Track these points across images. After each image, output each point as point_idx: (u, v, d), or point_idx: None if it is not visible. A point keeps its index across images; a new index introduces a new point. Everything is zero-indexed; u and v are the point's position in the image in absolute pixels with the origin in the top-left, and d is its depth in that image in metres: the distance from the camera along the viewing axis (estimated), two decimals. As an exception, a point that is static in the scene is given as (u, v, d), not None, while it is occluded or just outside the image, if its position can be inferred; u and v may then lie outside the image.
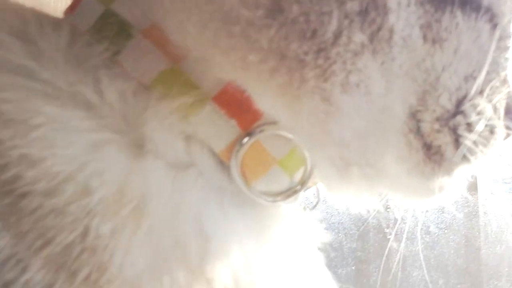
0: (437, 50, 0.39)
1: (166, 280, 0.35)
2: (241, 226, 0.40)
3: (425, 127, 0.40)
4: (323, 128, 0.39)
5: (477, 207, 1.09)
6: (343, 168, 0.41)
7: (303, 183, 0.41)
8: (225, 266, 0.38)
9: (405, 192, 0.45)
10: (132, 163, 0.37)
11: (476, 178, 0.48)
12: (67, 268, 0.33)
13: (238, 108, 0.39)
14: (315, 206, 0.47)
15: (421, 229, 1.11)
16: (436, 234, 1.10)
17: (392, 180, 0.43)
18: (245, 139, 0.39)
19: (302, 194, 0.44)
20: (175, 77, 0.38)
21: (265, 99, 0.39)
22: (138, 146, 0.38)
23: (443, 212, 1.10)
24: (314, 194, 0.48)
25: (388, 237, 1.16)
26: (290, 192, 0.41)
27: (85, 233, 0.34)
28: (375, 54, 0.38)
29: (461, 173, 0.43)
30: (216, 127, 0.39)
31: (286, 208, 0.43)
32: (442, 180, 0.42)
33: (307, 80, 0.37)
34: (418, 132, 0.40)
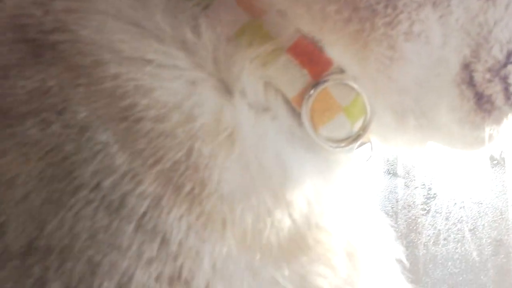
0: (490, 6, 0.44)
1: (254, 198, 0.41)
2: (310, 166, 0.45)
3: (478, 77, 0.44)
4: (387, 73, 0.43)
5: (506, 181, 1.13)
6: (401, 116, 0.46)
7: (362, 131, 0.46)
8: (301, 194, 0.43)
9: (456, 143, 0.49)
10: (222, 99, 0.42)
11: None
12: (174, 182, 0.39)
13: (310, 59, 0.44)
14: (368, 159, 0.52)
15: (456, 204, 1.15)
16: (470, 208, 1.13)
17: (444, 130, 0.47)
18: (315, 87, 0.44)
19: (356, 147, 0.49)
20: (256, 29, 0.43)
21: (337, 48, 0.44)
22: (226, 86, 0.43)
23: (476, 187, 1.13)
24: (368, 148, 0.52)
25: (422, 212, 1.20)
26: (350, 140, 0.46)
27: (189, 153, 0.39)
28: (436, 7, 0.43)
29: (510, 123, 0.47)
30: (289, 76, 0.44)
31: (346, 156, 0.48)
32: (491, 129, 0.46)
33: (377, 28, 0.42)
34: (470, 82, 0.45)
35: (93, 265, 0.38)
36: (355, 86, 0.45)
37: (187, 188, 0.39)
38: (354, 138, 0.46)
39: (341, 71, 0.45)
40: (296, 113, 0.45)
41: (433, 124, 0.47)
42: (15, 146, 0.40)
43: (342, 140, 0.46)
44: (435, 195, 1.18)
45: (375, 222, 0.50)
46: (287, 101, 0.45)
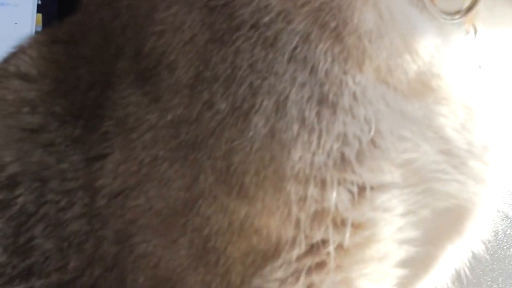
0: None
1: (387, 40, 0.46)
2: (430, 28, 0.49)
3: None
4: None
5: None
6: None
7: (473, 4, 0.50)
8: (424, 46, 0.48)
9: None
10: None
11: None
12: (321, 21, 0.45)
13: None
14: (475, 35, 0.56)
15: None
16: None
17: None
18: None
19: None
20: None
21: None
22: None
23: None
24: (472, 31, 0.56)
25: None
26: (462, 13, 0.49)
27: None
28: None
29: None
30: None
31: (457, 30, 0.53)
32: None
33: None
34: None
35: (254, 88, 0.44)
36: None
37: (332, 25, 0.45)
38: (465, 11, 0.50)
39: None
40: None
41: None
42: None
43: (454, 13, 0.50)
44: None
45: (488, 89, 0.54)
46: None
